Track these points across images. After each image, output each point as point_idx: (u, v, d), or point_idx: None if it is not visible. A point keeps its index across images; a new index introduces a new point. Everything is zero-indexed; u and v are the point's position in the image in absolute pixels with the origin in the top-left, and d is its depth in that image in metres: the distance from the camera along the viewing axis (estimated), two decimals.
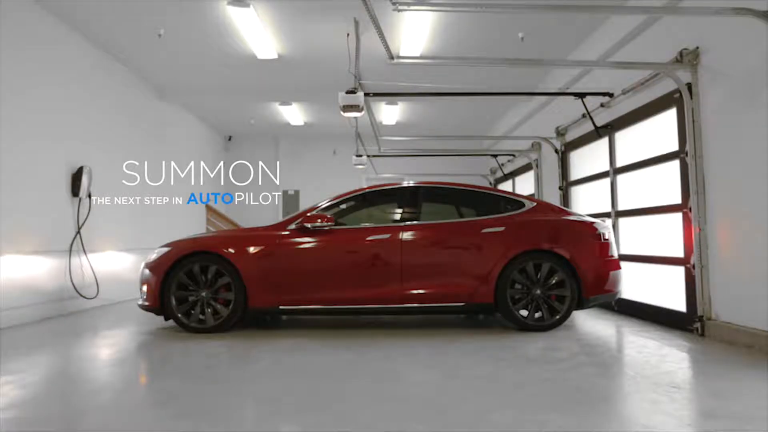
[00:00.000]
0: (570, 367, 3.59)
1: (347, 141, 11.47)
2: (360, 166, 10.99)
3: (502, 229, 5.15)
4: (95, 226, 7.21)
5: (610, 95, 6.21)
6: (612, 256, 5.26)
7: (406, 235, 5.14)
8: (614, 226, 6.52)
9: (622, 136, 6.43)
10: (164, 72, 8.86)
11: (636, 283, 5.90)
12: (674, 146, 5.17)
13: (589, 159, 7.43)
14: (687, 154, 4.83)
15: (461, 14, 6.44)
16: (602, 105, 6.45)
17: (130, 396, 3.17)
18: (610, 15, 6.25)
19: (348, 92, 6.19)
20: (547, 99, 8.55)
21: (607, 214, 6.71)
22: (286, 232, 5.19)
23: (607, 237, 5.28)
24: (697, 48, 4.72)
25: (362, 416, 2.66)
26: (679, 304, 5.04)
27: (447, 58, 7.67)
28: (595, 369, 3.57)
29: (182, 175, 11.22)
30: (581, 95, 6.42)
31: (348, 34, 6.53)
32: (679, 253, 5.03)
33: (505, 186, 12.04)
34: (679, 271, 5.04)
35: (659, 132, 5.52)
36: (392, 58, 4.79)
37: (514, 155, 10.61)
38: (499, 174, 12.10)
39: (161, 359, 4.09)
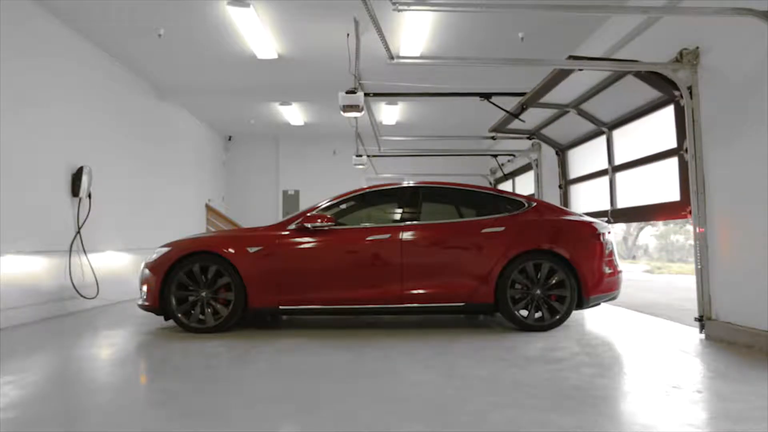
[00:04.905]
0: (570, 367, 3.59)
1: (347, 141, 11.48)
2: (360, 166, 10.99)
3: (502, 229, 5.15)
4: (95, 226, 7.21)
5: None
6: (612, 257, 5.27)
7: (406, 235, 5.14)
8: (611, 182, 6.63)
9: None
10: (164, 72, 8.86)
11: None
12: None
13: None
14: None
15: (461, 14, 6.44)
16: None
17: (130, 396, 3.17)
18: (610, 15, 6.25)
19: (348, 92, 6.19)
20: None
21: (604, 172, 6.89)
22: (286, 232, 5.19)
23: (607, 237, 5.28)
24: (697, 48, 4.72)
25: (362, 416, 2.66)
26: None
27: (447, 58, 7.67)
28: (595, 369, 3.57)
29: (182, 175, 11.26)
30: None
31: (348, 34, 6.53)
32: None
33: (505, 186, 12.05)
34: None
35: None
36: (392, 58, 4.79)
37: (514, 155, 10.61)
38: (499, 174, 12.11)
39: (161, 359, 4.09)
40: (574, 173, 8.13)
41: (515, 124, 7.45)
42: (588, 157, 7.52)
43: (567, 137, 7.88)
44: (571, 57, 4.99)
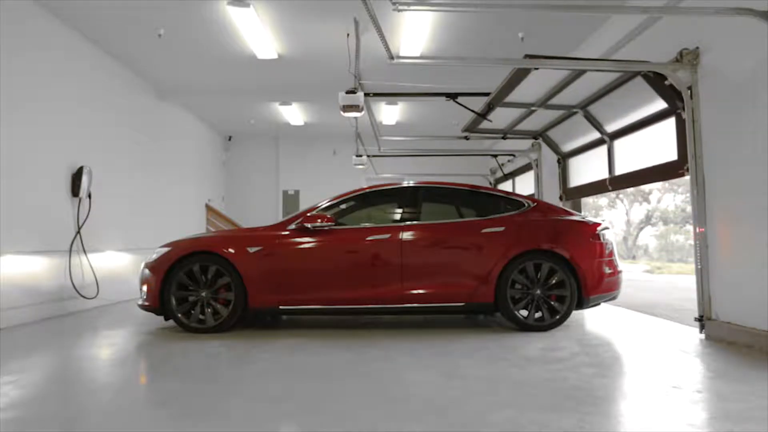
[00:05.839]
0: (570, 367, 3.59)
1: (347, 141, 11.48)
2: (360, 166, 10.99)
3: (502, 229, 5.16)
4: (95, 226, 7.21)
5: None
6: (612, 257, 5.28)
7: (406, 235, 5.14)
8: (609, 150, 6.72)
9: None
10: (164, 72, 8.87)
11: None
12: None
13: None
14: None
15: (461, 14, 6.44)
16: None
17: (130, 396, 3.17)
18: (610, 15, 6.25)
19: (348, 92, 6.19)
20: None
21: (601, 141, 6.92)
22: (286, 232, 5.19)
23: (607, 237, 5.28)
24: (697, 48, 4.72)
25: (362, 416, 2.66)
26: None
27: (447, 58, 7.67)
28: (595, 369, 3.57)
29: (182, 175, 11.26)
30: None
31: (348, 34, 6.53)
32: None
33: (505, 186, 12.05)
34: None
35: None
36: (392, 58, 4.79)
37: (514, 155, 10.61)
38: (499, 174, 12.11)
39: (161, 359, 4.09)
40: (567, 148, 8.15)
41: (489, 123, 7.45)
42: (579, 128, 7.52)
43: (542, 123, 7.86)
44: (527, 56, 4.96)
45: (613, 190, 6.82)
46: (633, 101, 5.86)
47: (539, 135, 8.39)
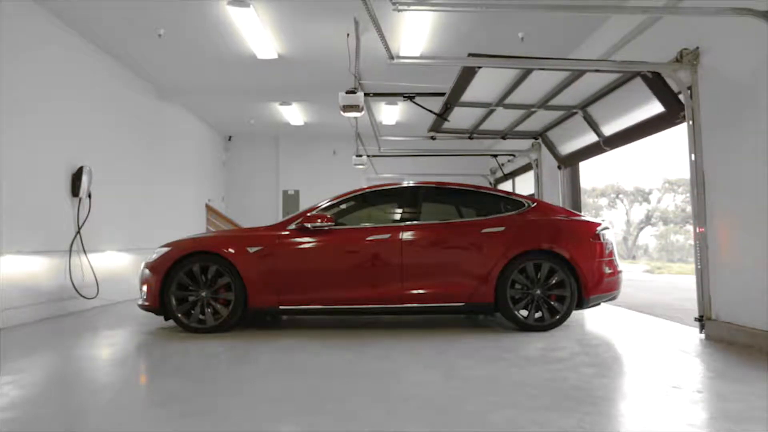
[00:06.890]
0: (570, 367, 3.59)
1: (347, 141, 11.48)
2: (360, 166, 10.99)
3: (502, 229, 5.16)
4: (95, 226, 7.21)
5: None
6: (612, 257, 5.28)
7: (406, 235, 5.14)
8: (587, 119, 6.69)
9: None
10: (164, 72, 8.87)
11: None
12: None
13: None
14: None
15: (461, 14, 6.45)
16: None
17: (129, 396, 3.17)
18: (611, 15, 6.25)
19: (348, 92, 6.19)
20: None
21: (574, 113, 6.85)
22: (286, 232, 5.20)
23: (607, 237, 5.28)
24: (697, 48, 4.72)
25: (362, 416, 2.66)
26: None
27: (447, 58, 7.67)
28: (595, 369, 3.57)
29: (182, 175, 11.26)
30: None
31: (348, 34, 6.54)
32: None
33: (505, 186, 12.05)
34: None
35: None
36: (392, 58, 4.79)
37: (514, 155, 10.61)
38: (499, 174, 12.11)
39: (161, 359, 4.09)
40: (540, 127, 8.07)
41: (455, 123, 7.39)
42: (549, 115, 7.42)
43: (508, 122, 7.82)
44: (471, 55, 4.92)
45: (610, 149, 6.71)
46: (598, 80, 5.80)
47: (506, 134, 8.36)
